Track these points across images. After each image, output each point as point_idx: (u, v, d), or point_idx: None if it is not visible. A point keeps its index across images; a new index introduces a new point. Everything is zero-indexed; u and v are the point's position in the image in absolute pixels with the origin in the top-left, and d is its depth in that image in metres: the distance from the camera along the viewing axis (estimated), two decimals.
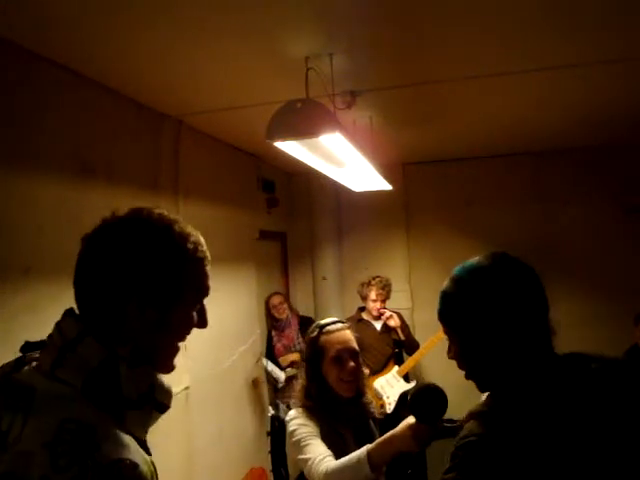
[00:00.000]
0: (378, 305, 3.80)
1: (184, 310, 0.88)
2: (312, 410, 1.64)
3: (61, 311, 0.85)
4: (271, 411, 1.95)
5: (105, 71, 1.99)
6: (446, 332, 1.11)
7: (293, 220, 4.66)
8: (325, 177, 2.86)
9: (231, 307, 3.28)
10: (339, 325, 1.73)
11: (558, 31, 1.86)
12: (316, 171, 2.64)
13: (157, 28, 1.67)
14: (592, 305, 4.05)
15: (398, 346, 3.85)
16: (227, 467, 3.08)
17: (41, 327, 0.90)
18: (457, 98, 2.66)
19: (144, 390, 0.81)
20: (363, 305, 3.95)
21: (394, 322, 3.77)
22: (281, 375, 3.81)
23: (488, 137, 3.65)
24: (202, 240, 0.91)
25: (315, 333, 1.71)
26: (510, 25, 1.80)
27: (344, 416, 1.66)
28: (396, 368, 3.77)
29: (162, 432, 2.25)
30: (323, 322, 1.75)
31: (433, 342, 3.63)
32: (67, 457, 0.68)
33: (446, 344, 1.12)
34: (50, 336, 0.83)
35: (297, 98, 1.80)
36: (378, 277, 3.86)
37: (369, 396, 1.78)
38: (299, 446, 1.54)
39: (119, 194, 2.15)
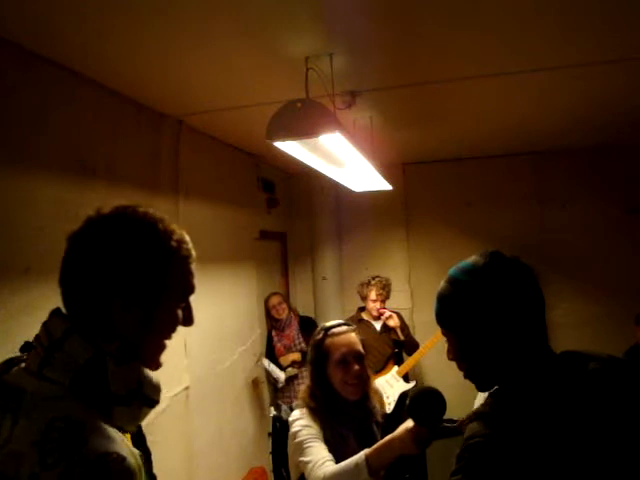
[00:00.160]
0: (378, 305, 3.80)
1: (169, 308, 0.88)
2: (316, 411, 1.63)
3: None
4: (273, 412, 1.94)
5: (105, 71, 1.98)
6: (444, 333, 1.11)
7: (293, 220, 4.66)
8: (325, 177, 2.86)
9: (231, 307, 3.28)
10: (345, 328, 1.72)
11: (558, 31, 1.86)
12: (316, 171, 2.64)
13: (157, 28, 1.67)
14: (592, 305, 4.05)
15: (398, 346, 3.85)
16: (227, 467, 3.08)
17: None
18: (457, 98, 2.66)
19: (132, 386, 0.81)
20: (363, 305, 3.95)
21: (393, 322, 3.77)
22: (281, 375, 3.81)
23: (488, 137, 3.65)
24: (187, 238, 0.91)
25: (320, 335, 1.71)
26: (510, 25, 1.80)
27: (348, 419, 1.65)
28: (396, 368, 3.77)
29: (162, 432, 2.26)
30: (329, 324, 1.74)
31: (433, 342, 3.63)
32: (55, 454, 0.69)
33: (445, 344, 1.12)
34: (37, 336, 0.83)
35: (297, 98, 1.80)
36: (378, 277, 3.86)
37: (374, 400, 1.76)
38: (301, 448, 1.53)
39: (119, 194, 2.15)
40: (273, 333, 3.95)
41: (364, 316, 3.89)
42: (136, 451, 0.79)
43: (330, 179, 2.92)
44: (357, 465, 1.37)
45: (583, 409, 0.93)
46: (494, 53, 2.06)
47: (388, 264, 4.44)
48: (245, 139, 3.29)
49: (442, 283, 1.09)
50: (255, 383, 3.56)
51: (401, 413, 3.33)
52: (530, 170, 4.27)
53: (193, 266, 0.91)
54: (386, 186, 3.35)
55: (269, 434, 2.77)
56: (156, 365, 0.89)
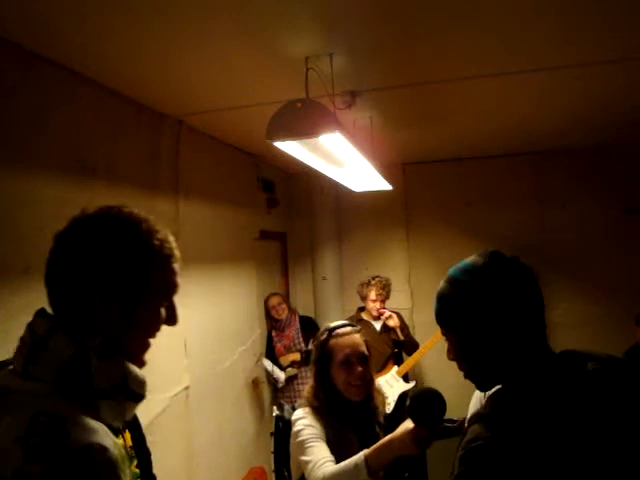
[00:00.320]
0: (378, 305, 3.80)
1: (151, 306, 0.88)
2: (319, 411, 1.63)
3: None
4: (275, 411, 1.94)
5: (105, 71, 1.98)
6: (444, 333, 1.11)
7: (293, 220, 4.66)
8: (325, 177, 2.86)
9: (231, 307, 3.28)
10: (349, 329, 1.72)
11: (558, 31, 1.86)
12: (316, 171, 2.64)
13: (157, 28, 1.67)
14: (592, 305, 4.05)
15: (397, 346, 3.85)
16: (227, 467, 3.08)
17: None
18: (457, 98, 2.66)
19: (117, 381, 0.82)
20: (363, 305, 3.95)
21: (393, 322, 3.77)
22: (281, 375, 3.81)
23: (488, 137, 3.65)
24: (171, 238, 0.92)
25: (325, 336, 1.71)
26: (510, 25, 1.80)
27: (351, 419, 1.65)
28: (395, 368, 3.77)
29: (162, 432, 2.26)
30: (333, 325, 1.74)
31: (432, 342, 3.63)
32: (39, 448, 0.69)
33: (445, 344, 1.12)
34: (22, 337, 0.84)
35: (297, 98, 1.80)
36: (378, 277, 3.86)
37: (378, 401, 1.76)
38: (303, 447, 1.53)
39: (119, 194, 2.15)
40: (273, 333, 3.95)
41: (364, 316, 3.89)
42: (120, 441, 0.80)
43: (330, 179, 2.92)
44: (356, 465, 1.37)
45: (583, 409, 0.93)
46: (494, 53, 2.06)
47: (388, 264, 4.44)
48: (245, 139, 3.29)
49: (442, 283, 1.09)
50: (255, 383, 3.56)
51: (401, 413, 3.33)
52: (530, 170, 4.27)
53: (176, 265, 0.92)
54: (386, 186, 3.35)
55: (271, 434, 2.77)
56: (140, 363, 0.90)
